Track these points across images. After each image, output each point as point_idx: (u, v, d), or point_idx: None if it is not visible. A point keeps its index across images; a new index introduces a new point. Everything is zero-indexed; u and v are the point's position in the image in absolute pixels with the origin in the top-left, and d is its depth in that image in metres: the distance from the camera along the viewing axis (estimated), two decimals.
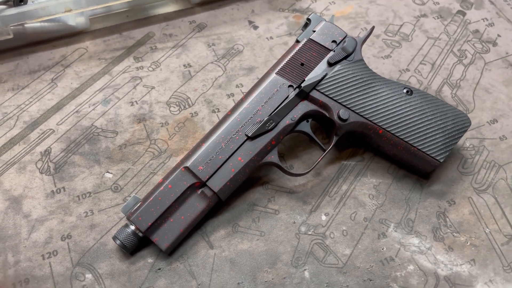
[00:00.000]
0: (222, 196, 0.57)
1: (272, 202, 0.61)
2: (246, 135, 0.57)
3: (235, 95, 0.71)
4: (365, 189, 0.62)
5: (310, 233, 0.59)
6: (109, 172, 0.62)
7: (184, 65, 0.74)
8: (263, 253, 0.57)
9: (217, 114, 0.69)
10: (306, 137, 0.66)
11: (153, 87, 0.71)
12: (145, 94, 0.70)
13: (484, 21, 0.83)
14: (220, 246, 0.57)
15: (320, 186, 0.63)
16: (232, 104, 0.70)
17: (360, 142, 0.66)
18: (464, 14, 0.84)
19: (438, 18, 0.83)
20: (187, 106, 0.69)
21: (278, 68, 0.61)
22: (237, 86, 0.72)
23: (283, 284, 0.55)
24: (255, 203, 0.61)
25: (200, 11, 0.82)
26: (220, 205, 0.59)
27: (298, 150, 0.66)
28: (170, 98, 0.70)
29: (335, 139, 0.61)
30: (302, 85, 0.60)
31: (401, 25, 0.82)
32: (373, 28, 0.65)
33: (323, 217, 0.60)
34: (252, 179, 0.62)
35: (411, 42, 0.79)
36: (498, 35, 0.81)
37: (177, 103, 0.69)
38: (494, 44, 0.80)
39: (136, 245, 0.55)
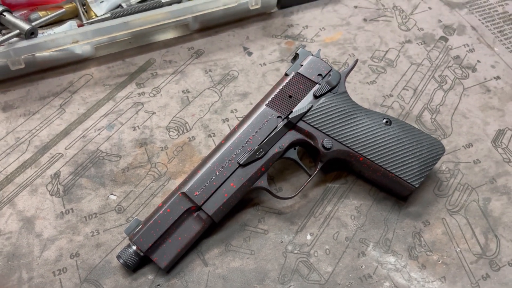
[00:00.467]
0: (215, 218, 0.63)
1: (262, 223, 0.67)
2: (238, 163, 0.63)
3: (230, 120, 0.76)
4: (348, 210, 0.68)
5: (296, 251, 0.64)
6: (113, 194, 0.68)
7: (183, 91, 0.80)
8: (253, 270, 0.63)
9: (212, 139, 0.74)
10: (293, 162, 0.72)
11: (154, 112, 0.77)
12: (146, 119, 0.76)
13: (465, 47, 0.89)
14: (214, 264, 0.63)
15: (306, 207, 0.68)
16: (226, 129, 0.75)
17: (343, 166, 0.72)
18: (446, 40, 0.90)
19: (421, 44, 0.89)
20: (185, 131, 0.75)
21: (268, 100, 0.66)
22: (231, 111, 0.77)
23: None
24: (247, 224, 0.67)
25: (198, 37, 0.87)
26: (214, 226, 0.65)
27: (286, 173, 0.71)
28: (169, 123, 0.76)
29: (319, 165, 0.67)
30: (290, 116, 0.65)
31: (387, 51, 0.87)
32: (356, 61, 0.70)
33: (308, 237, 0.66)
34: (244, 201, 0.68)
35: (396, 67, 0.85)
36: (478, 61, 0.86)
37: (176, 128, 0.75)
38: (474, 69, 0.85)
39: (138, 263, 0.61)
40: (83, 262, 0.62)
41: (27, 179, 0.69)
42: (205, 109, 0.78)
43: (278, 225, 0.67)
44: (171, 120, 0.76)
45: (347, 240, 0.66)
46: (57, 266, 0.62)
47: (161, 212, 0.61)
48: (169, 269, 0.62)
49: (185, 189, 0.62)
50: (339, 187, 0.70)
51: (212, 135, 0.75)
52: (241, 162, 0.63)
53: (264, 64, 0.84)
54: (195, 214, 0.62)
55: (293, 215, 0.68)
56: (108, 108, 0.77)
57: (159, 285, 0.61)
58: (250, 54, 0.85)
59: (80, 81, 0.80)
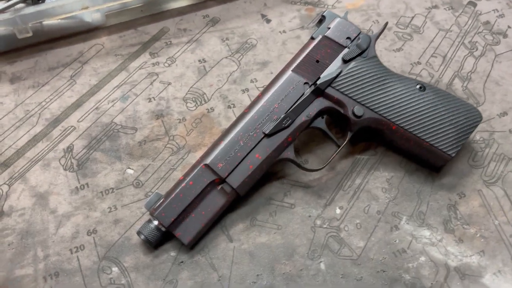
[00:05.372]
0: (240, 191, 0.59)
1: (288, 196, 0.63)
2: (264, 132, 0.59)
3: (250, 90, 0.72)
4: (378, 183, 0.64)
5: (325, 226, 0.61)
6: (130, 168, 0.64)
7: (199, 60, 0.75)
8: (281, 246, 0.59)
9: (232, 110, 0.70)
10: (320, 132, 0.68)
11: (169, 83, 0.72)
12: (162, 90, 0.72)
13: (494, 12, 0.84)
14: (239, 239, 0.59)
15: (334, 180, 0.65)
16: (247, 99, 0.71)
17: (373, 136, 0.68)
18: (475, 5, 0.85)
19: (449, 9, 0.84)
20: (203, 102, 0.71)
21: (294, 65, 0.62)
22: (251, 81, 0.73)
23: (300, 275, 0.57)
24: (272, 198, 0.63)
25: (213, 4, 0.83)
26: (239, 200, 0.62)
27: (312, 145, 0.67)
28: (186, 94, 0.71)
29: (349, 135, 0.63)
30: (318, 82, 0.61)
31: (413, 17, 0.82)
32: (386, 24, 0.66)
33: (338, 211, 0.62)
34: (268, 174, 0.64)
35: (423, 34, 0.80)
36: (509, 27, 0.82)
37: (193, 99, 0.71)
38: (505, 35, 0.80)
39: (160, 239, 0.57)
40: (101, 239, 0.59)
41: (38, 153, 0.65)
42: (223, 79, 0.73)
43: (305, 199, 0.63)
44: (188, 91, 0.72)
45: (379, 213, 0.62)
46: (74, 244, 0.58)
47: (183, 185, 0.58)
48: (193, 245, 0.58)
49: (208, 161, 0.58)
50: (368, 159, 0.66)
51: (231, 106, 0.71)
52: (266, 132, 0.59)
53: (284, 31, 0.79)
54: (219, 187, 0.59)
55: (321, 188, 0.64)
56: (121, 79, 0.72)
57: (182, 262, 0.58)
58: (268, 21, 0.81)
59: (91, 51, 0.75)
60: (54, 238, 0.58)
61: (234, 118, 0.69)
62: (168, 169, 0.65)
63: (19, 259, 0.57)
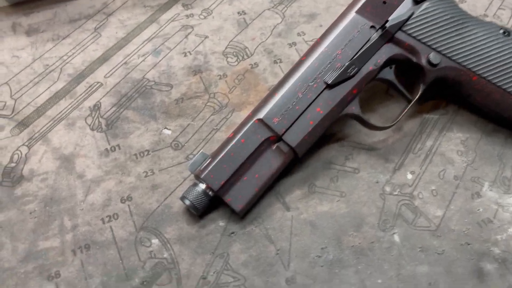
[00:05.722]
0: (299, 151, 0.50)
1: (350, 160, 0.54)
2: (325, 82, 0.51)
3: (298, 44, 0.63)
4: (452, 145, 0.56)
5: (396, 193, 0.52)
6: (167, 129, 0.56)
7: (238, 13, 0.66)
8: (346, 215, 0.51)
9: (279, 65, 0.62)
10: (381, 88, 0.59)
11: (206, 36, 0.64)
12: (198, 44, 0.63)
13: None
14: (297, 208, 0.51)
15: (402, 142, 0.56)
16: (295, 54, 0.62)
17: (442, 93, 0.59)
18: None
19: None
20: (245, 57, 0.62)
21: (358, 6, 0.53)
22: (298, 34, 0.64)
23: (371, 249, 0.49)
24: (332, 162, 0.54)
25: None
26: (294, 162, 0.53)
27: (373, 103, 0.59)
28: (226, 48, 0.63)
29: (422, 87, 0.54)
30: (386, 25, 0.52)
31: None
32: None
33: (409, 176, 0.53)
34: (326, 135, 0.56)
35: None
36: None
37: (234, 53, 0.62)
38: None
39: (207, 206, 0.49)
40: (137, 207, 0.50)
41: (61, 111, 0.57)
42: (266, 33, 0.65)
43: (370, 162, 0.54)
44: (228, 44, 0.63)
45: (456, 179, 0.53)
46: (106, 212, 0.50)
47: (234, 142, 0.49)
48: (244, 214, 0.50)
49: (261, 115, 0.50)
50: (438, 119, 0.58)
51: (278, 61, 0.62)
52: (329, 82, 0.50)
53: None
54: (274, 146, 0.50)
55: (387, 151, 0.55)
56: (151, 31, 0.64)
57: (233, 233, 0.49)
58: None
59: (116, 2, 0.67)
60: (83, 206, 0.50)
61: (282, 74, 0.60)
62: (210, 129, 0.56)
63: (43, 230, 0.49)
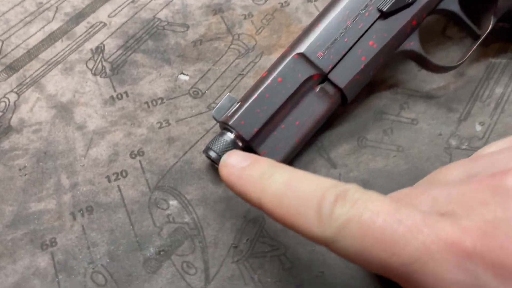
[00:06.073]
0: (348, 94, 0.41)
1: (406, 110, 0.45)
2: (380, 10, 0.41)
3: None
4: None
5: (464, 147, 0.43)
6: (184, 74, 0.47)
7: None
8: (406, 173, 0.41)
9: (314, 4, 0.52)
10: (437, 29, 0.50)
11: None
12: None
13: None
14: (345, 165, 0.42)
15: (466, 89, 0.46)
16: None
17: (508, 35, 0.50)
18: None
19: None
20: None
21: None
22: None
23: None
24: (384, 111, 0.45)
25: None
26: (338, 112, 0.44)
27: (428, 46, 0.49)
28: None
29: (493, 20, 0.44)
30: None
31: None
32: None
33: (478, 127, 0.44)
34: (374, 81, 0.46)
35: None
36: None
37: None
38: None
39: None
40: (151, 163, 0.41)
41: (57, 54, 0.47)
42: None
43: (429, 112, 0.45)
44: None
45: None
46: (113, 169, 0.41)
47: (269, 82, 0.40)
48: None
49: (302, 49, 0.40)
50: (507, 63, 0.48)
51: None
52: (384, 10, 0.41)
53: None
54: (318, 88, 0.41)
55: (449, 99, 0.46)
56: None
57: None
58: None
59: None
60: (84, 162, 0.41)
61: (317, 13, 0.51)
62: (235, 75, 0.47)
63: (35, 189, 0.40)
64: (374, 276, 0.37)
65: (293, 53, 0.41)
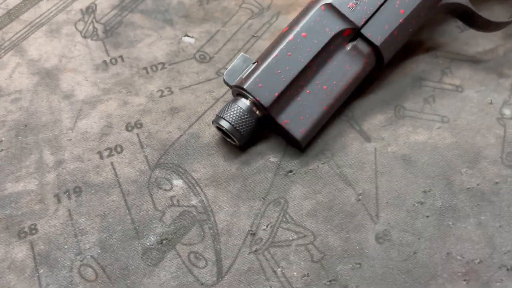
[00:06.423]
0: (385, 53, 0.35)
1: (449, 75, 0.39)
2: None
3: None
4: None
5: None
6: (188, 36, 0.40)
7: None
8: (453, 147, 0.35)
9: None
10: None
11: None
12: None
13: None
14: (381, 138, 0.35)
15: None
16: None
17: None
18: None
19: None
20: None
21: None
22: None
23: (496, 192, 0.33)
24: (423, 77, 0.39)
25: None
26: (373, 76, 0.37)
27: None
28: None
29: None
30: None
31: None
32: None
33: None
34: (410, 43, 0.40)
35: None
36: None
37: None
38: None
39: (253, 131, 0.33)
40: (150, 136, 0.35)
41: (41, 15, 0.41)
42: None
43: (477, 78, 0.39)
44: None
45: None
46: (105, 144, 0.34)
47: (291, 38, 0.33)
48: (306, 145, 0.34)
49: None
50: None
51: None
52: None
53: None
54: (349, 46, 0.34)
55: (499, 63, 0.40)
56: None
57: (291, 171, 0.34)
58: None
59: None
60: (72, 135, 0.35)
61: None
62: (248, 37, 0.40)
63: (12, 167, 0.33)
64: (416, 270, 0.30)
65: (320, 4, 0.34)
